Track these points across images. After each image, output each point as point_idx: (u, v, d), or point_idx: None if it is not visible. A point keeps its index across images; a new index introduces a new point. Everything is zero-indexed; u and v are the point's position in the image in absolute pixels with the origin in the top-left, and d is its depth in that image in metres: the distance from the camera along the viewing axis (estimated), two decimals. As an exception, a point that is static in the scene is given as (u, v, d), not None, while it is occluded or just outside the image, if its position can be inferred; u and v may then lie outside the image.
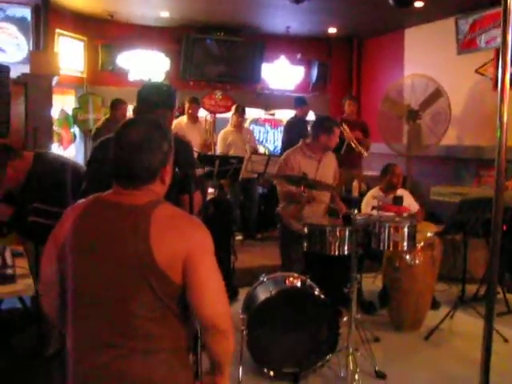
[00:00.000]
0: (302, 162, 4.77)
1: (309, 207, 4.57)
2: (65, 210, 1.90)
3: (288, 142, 7.76)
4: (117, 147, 1.80)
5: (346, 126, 7.00)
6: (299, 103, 8.00)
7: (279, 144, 9.34)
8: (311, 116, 8.98)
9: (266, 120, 10.20)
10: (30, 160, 3.40)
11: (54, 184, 3.30)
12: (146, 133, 1.79)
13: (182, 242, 1.72)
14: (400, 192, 5.42)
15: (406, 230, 3.88)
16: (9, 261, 3.31)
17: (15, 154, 3.39)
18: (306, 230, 3.98)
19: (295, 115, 8.16)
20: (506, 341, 4.49)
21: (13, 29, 7.18)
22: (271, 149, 10.01)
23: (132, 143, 1.77)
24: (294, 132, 7.77)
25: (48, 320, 2.01)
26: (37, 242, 3.21)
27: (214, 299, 1.75)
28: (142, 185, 1.79)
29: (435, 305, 5.19)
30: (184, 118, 7.43)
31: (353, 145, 7.08)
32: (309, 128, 7.86)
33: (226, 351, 1.82)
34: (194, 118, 7.47)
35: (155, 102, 2.83)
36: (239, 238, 7.24)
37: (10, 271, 3.28)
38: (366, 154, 7.29)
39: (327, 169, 4.90)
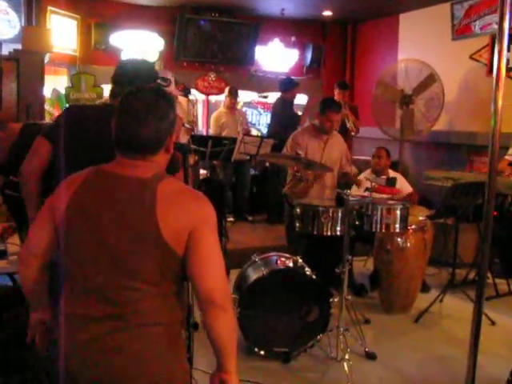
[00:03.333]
0: (309, 143, 4.87)
1: (315, 188, 4.63)
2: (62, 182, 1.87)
3: (277, 124, 7.64)
4: (123, 115, 1.77)
5: None
6: (286, 88, 7.62)
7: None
8: (303, 99, 8.94)
9: (258, 103, 10.15)
10: (16, 131, 3.35)
11: None
12: (153, 101, 1.77)
13: (188, 215, 1.72)
14: (392, 174, 5.43)
15: (398, 212, 3.91)
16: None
17: None
18: (298, 210, 3.99)
19: (281, 97, 7.79)
20: (493, 323, 4.54)
21: (3, 4, 7.04)
22: (264, 131, 9.97)
23: (139, 111, 1.74)
24: (281, 114, 7.64)
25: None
26: (13, 214, 3.17)
27: (215, 273, 1.74)
28: (149, 154, 1.77)
29: (425, 288, 5.23)
30: None
31: (346, 120, 7.02)
32: (295, 109, 7.83)
33: (227, 328, 1.73)
34: None
35: (131, 78, 2.56)
36: (230, 219, 7.24)
37: (1, 247, 3.28)
38: (353, 133, 7.28)
39: (334, 150, 4.97)
